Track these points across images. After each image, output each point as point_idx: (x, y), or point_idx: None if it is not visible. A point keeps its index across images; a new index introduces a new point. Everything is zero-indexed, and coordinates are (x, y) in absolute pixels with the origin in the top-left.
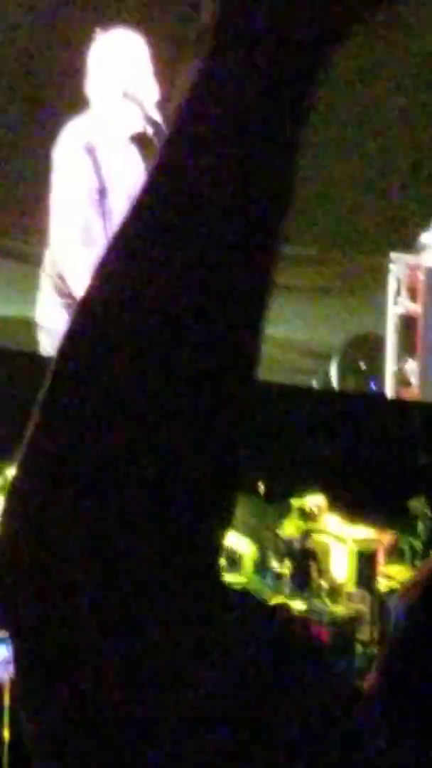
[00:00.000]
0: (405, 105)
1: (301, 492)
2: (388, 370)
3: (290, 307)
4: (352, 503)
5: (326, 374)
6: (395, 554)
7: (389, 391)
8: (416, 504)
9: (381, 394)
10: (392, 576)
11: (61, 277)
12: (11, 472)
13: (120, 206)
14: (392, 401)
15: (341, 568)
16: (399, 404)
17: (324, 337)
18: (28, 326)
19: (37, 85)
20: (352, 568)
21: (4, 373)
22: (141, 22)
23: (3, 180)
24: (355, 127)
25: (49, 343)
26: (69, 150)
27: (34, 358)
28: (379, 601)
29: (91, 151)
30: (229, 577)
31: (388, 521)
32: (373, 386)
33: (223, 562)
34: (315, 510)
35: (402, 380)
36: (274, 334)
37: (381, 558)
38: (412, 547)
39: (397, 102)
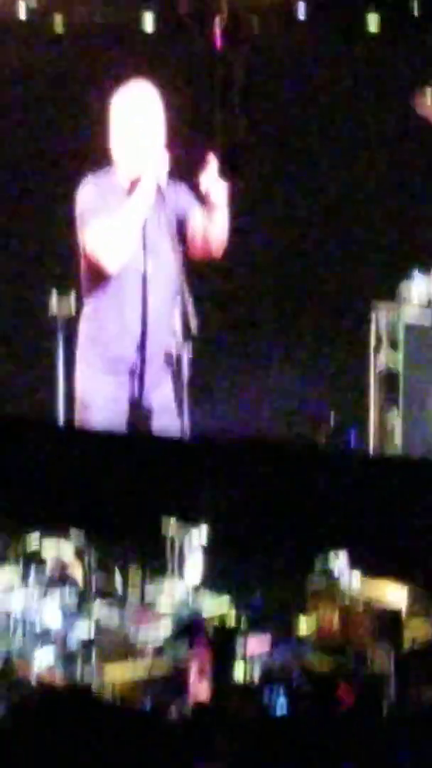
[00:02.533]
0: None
1: (324, 550)
2: (370, 422)
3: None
4: (376, 561)
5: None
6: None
7: (371, 442)
8: None
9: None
10: (415, 632)
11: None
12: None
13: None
14: (411, 461)
15: (363, 628)
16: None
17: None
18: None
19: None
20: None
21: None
22: (155, 73)
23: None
24: (338, 179)
25: (84, 415)
26: (89, 198)
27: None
28: (403, 660)
29: (109, 199)
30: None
31: (411, 578)
32: (352, 438)
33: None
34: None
35: (384, 433)
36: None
37: (404, 615)
38: None
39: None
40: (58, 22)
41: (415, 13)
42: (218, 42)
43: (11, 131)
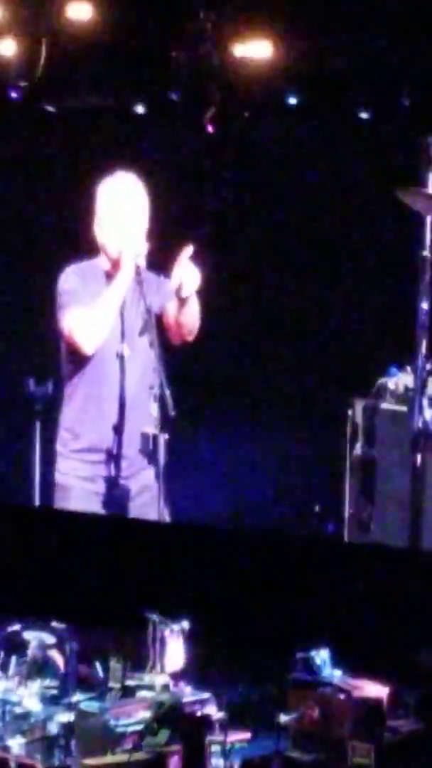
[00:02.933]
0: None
1: (306, 645)
2: (346, 512)
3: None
4: (357, 656)
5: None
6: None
7: (346, 534)
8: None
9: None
10: (396, 728)
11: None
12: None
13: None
14: (397, 552)
15: (344, 719)
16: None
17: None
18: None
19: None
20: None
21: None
22: (140, 166)
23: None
24: (317, 275)
25: (61, 498)
26: (70, 283)
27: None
28: (384, 754)
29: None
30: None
31: (392, 674)
32: (330, 529)
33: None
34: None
35: (360, 524)
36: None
37: (385, 710)
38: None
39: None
40: (49, 107)
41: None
42: (209, 129)
43: None
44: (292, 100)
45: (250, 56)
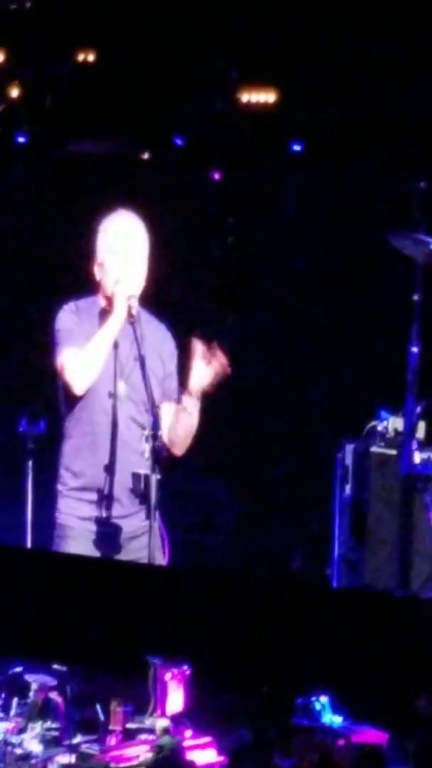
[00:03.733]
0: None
1: (306, 691)
2: (335, 554)
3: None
4: (357, 702)
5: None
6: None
7: (335, 575)
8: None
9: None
10: None
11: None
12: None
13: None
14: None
15: (343, 765)
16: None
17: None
18: None
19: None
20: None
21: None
22: (143, 209)
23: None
24: (311, 319)
25: (60, 537)
26: (66, 321)
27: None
28: None
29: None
30: None
31: (391, 720)
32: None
33: None
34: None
35: (350, 565)
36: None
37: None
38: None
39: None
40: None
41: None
42: (214, 176)
43: None
44: (297, 147)
45: (255, 102)
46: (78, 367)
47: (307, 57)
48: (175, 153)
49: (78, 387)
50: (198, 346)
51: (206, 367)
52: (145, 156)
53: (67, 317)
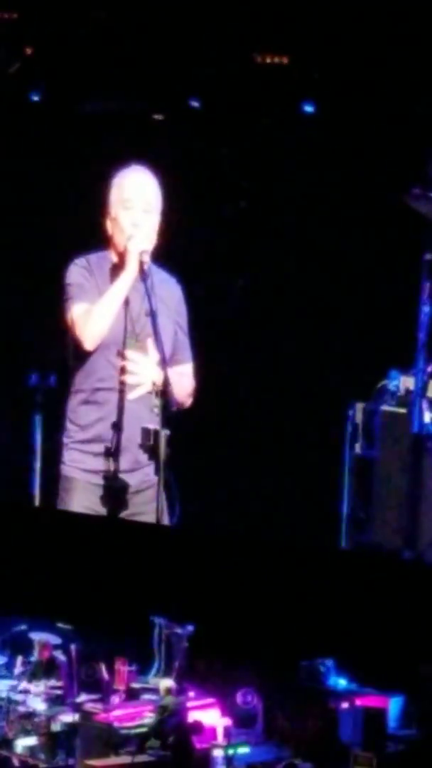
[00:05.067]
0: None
1: (311, 653)
2: (344, 512)
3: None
4: (361, 665)
5: None
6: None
7: (344, 533)
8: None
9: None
10: (399, 738)
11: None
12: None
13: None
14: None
15: (347, 728)
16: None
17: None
18: None
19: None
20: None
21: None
22: (156, 168)
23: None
24: (321, 278)
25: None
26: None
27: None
28: (387, 763)
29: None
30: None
31: (396, 684)
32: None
33: None
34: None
35: (357, 524)
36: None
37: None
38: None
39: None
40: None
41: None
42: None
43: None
44: (309, 108)
45: (269, 63)
46: (88, 322)
47: (320, 17)
48: (190, 114)
49: (88, 342)
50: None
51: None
52: (158, 117)
53: (78, 272)
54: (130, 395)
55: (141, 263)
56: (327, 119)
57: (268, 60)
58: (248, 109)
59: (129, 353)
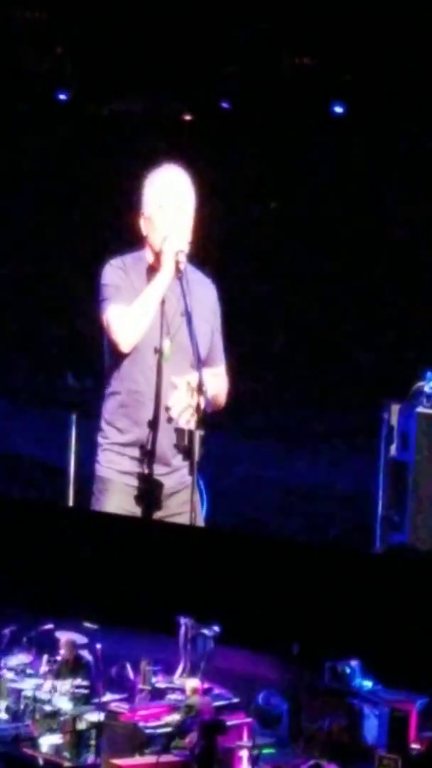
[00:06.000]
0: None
1: (336, 654)
2: (378, 514)
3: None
4: (386, 667)
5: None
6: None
7: (378, 534)
8: None
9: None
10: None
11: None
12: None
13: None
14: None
15: (372, 730)
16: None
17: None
18: None
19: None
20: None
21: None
22: (186, 159)
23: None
24: (358, 280)
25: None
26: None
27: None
28: (411, 765)
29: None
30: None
31: (422, 686)
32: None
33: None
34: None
35: (392, 525)
36: (273, 478)
37: (414, 722)
38: None
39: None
40: (97, 107)
41: None
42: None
43: (38, 211)
44: (339, 110)
45: (298, 65)
46: (125, 324)
47: (350, 18)
48: (220, 115)
49: (124, 344)
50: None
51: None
52: (187, 117)
53: (114, 272)
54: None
55: (177, 263)
56: (357, 121)
57: (298, 61)
58: (278, 111)
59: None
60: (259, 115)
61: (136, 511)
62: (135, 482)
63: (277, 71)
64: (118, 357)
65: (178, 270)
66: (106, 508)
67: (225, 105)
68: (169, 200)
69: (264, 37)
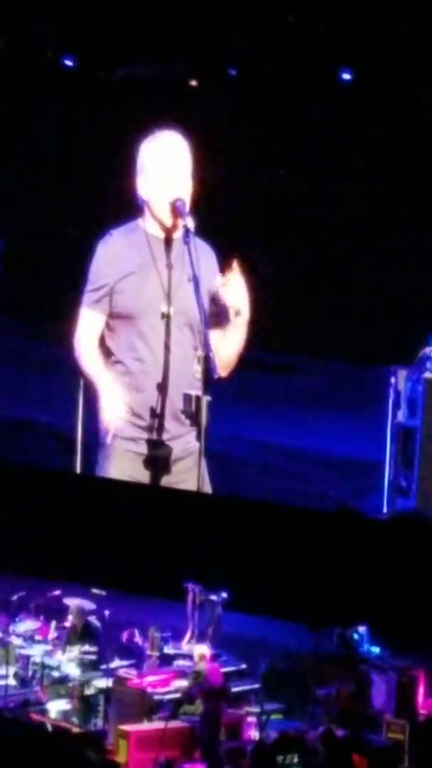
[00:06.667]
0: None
1: (344, 621)
2: (385, 479)
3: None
4: (394, 633)
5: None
6: None
7: (386, 500)
8: None
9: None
10: None
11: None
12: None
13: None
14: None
15: (379, 696)
16: None
17: (327, 446)
18: None
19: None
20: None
21: None
22: (184, 123)
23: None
24: (364, 245)
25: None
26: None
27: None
28: (419, 730)
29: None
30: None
31: (429, 652)
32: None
33: None
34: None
35: (399, 491)
36: (277, 443)
37: (421, 688)
38: None
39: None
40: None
41: None
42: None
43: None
44: (346, 76)
45: (305, 31)
46: (80, 338)
47: None
48: (227, 82)
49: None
50: (236, 266)
51: (243, 289)
52: (194, 83)
53: (104, 253)
54: None
55: (185, 229)
56: (365, 86)
57: (306, 28)
58: (286, 77)
59: None
60: (267, 82)
61: (140, 478)
62: (138, 449)
63: (284, 38)
64: (122, 323)
65: (186, 235)
66: (109, 475)
67: (232, 71)
68: (164, 155)
69: (272, 2)
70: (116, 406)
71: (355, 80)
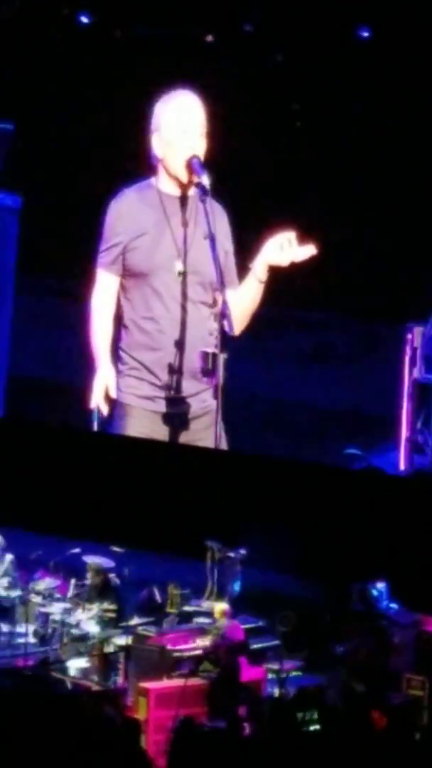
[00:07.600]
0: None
1: (363, 576)
2: (402, 436)
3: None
4: (413, 590)
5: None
6: None
7: (402, 457)
8: None
9: None
10: None
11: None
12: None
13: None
14: None
15: (399, 652)
16: None
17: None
18: None
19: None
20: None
21: None
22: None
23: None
24: (374, 196)
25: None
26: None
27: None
28: None
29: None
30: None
31: None
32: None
33: None
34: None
35: (415, 448)
36: (292, 398)
37: None
38: None
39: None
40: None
41: None
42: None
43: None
44: (364, 33)
45: None
46: (95, 299)
47: None
48: (242, 37)
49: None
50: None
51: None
52: (209, 39)
53: (116, 212)
54: None
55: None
56: (382, 43)
57: None
58: (302, 34)
59: None
60: (283, 38)
61: (158, 436)
62: (155, 407)
63: None
64: (136, 282)
65: (203, 193)
66: (126, 433)
67: (247, 27)
68: (177, 115)
69: None
70: (102, 393)
71: (373, 37)
